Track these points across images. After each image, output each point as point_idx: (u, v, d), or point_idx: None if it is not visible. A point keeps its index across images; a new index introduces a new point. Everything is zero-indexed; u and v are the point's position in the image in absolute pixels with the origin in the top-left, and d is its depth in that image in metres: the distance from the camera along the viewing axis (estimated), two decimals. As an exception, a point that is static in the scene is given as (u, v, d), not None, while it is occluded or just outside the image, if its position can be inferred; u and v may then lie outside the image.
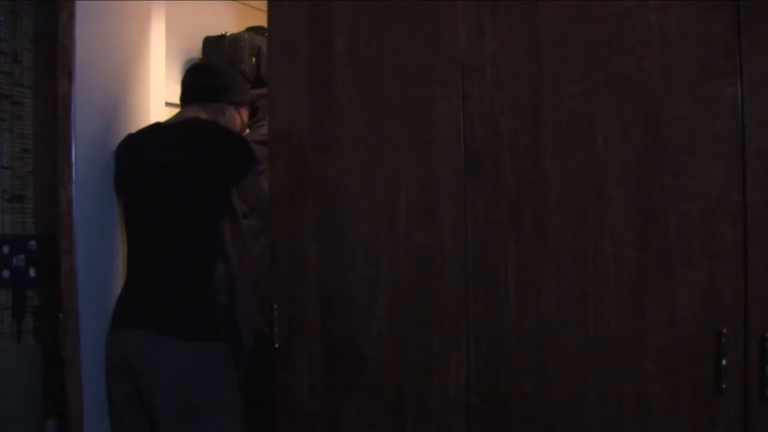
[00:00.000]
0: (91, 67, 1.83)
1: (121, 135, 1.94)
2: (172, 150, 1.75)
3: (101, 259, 1.87)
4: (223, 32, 2.31)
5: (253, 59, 2.26)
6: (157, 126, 1.88)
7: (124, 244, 1.94)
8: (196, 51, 2.38)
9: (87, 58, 1.81)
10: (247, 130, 2.11)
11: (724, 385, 1.15)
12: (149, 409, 1.65)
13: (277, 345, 1.67)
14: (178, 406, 1.62)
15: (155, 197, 1.75)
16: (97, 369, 1.81)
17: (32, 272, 2.12)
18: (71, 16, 1.76)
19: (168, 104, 2.22)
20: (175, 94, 2.28)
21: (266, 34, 1.86)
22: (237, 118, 1.95)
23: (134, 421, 1.70)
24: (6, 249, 2.08)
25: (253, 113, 2.35)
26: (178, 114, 1.92)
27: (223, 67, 2.03)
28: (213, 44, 2.31)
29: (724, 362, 1.15)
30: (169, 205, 1.74)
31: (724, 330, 1.15)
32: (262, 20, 2.00)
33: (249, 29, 2.34)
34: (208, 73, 1.94)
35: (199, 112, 1.86)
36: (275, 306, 1.67)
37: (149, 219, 1.77)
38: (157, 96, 2.13)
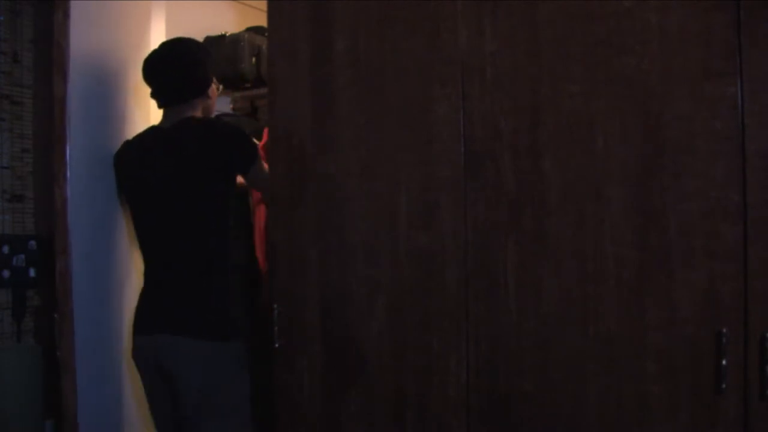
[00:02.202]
0: (87, 67, 1.83)
1: (119, 135, 1.94)
2: (176, 154, 1.76)
3: (97, 259, 1.87)
4: (223, 32, 2.31)
5: (253, 59, 2.26)
6: (155, 130, 1.86)
7: (121, 244, 1.94)
8: (196, 51, 2.38)
9: (83, 57, 1.81)
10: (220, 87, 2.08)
11: (724, 385, 1.15)
12: (180, 402, 1.72)
13: (277, 345, 1.67)
14: (200, 400, 1.69)
15: (164, 203, 1.77)
16: (93, 369, 1.81)
17: (32, 272, 2.12)
18: (66, 15, 1.76)
19: (168, 104, 2.22)
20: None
21: (266, 34, 1.86)
22: (213, 86, 1.95)
23: (171, 418, 1.77)
24: (6, 249, 2.08)
25: (253, 113, 2.36)
26: (168, 115, 1.85)
27: (189, 55, 1.86)
28: (213, 44, 2.31)
29: (724, 362, 1.15)
30: (179, 210, 1.76)
31: (724, 330, 1.15)
32: (262, 20, 2.00)
33: (249, 29, 2.34)
34: (181, 70, 1.83)
35: (190, 110, 1.84)
36: (275, 306, 1.67)
37: (160, 225, 1.78)
38: (157, 96, 2.13)
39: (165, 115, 1.87)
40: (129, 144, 1.89)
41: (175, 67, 1.83)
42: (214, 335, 1.70)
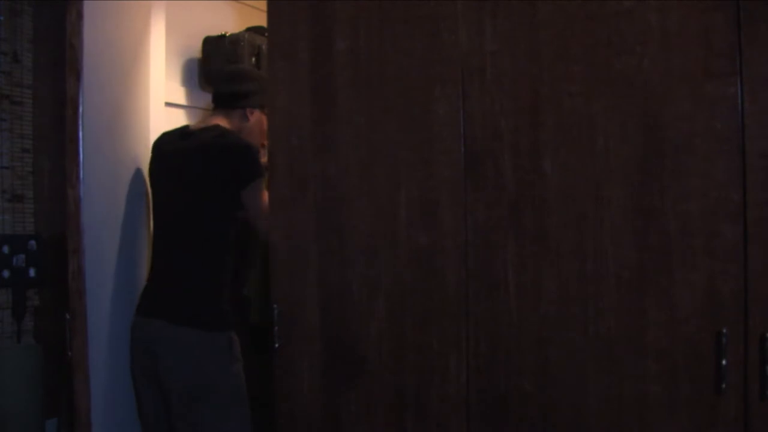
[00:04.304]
0: (96, 67, 1.83)
1: (125, 135, 1.96)
2: (188, 156, 1.86)
3: (107, 258, 1.88)
4: (223, 32, 2.31)
5: (253, 59, 2.26)
6: (183, 130, 1.97)
7: (127, 244, 1.95)
8: (196, 51, 2.38)
9: (92, 57, 1.81)
10: None
11: (724, 385, 1.15)
12: (164, 391, 1.79)
13: (277, 345, 1.67)
14: (186, 389, 1.75)
15: (173, 197, 1.88)
16: (103, 368, 1.82)
17: (32, 272, 2.12)
18: (80, 15, 1.75)
19: (168, 104, 2.22)
20: (174, 94, 2.29)
21: (266, 34, 1.86)
22: (262, 118, 2.02)
23: (153, 399, 1.84)
24: (6, 249, 2.08)
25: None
26: (205, 119, 2.02)
27: (251, 71, 2.09)
28: (213, 44, 2.31)
29: (724, 362, 1.15)
30: (184, 207, 1.85)
31: (724, 330, 1.15)
32: (262, 20, 2.00)
33: (249, 29, 2.33)
34: (236, 80, 2.00)
35: (222, 119, 1.96)
36: (275, 306, 1.67)
37: (167, 217, 1.90)
38: (157, 96, 2.13)
39: (201, 119, 2.05)
40: (163, 136, 1.99)
41: (225, 74, 2.05)
42: (204, 325, 1.78)
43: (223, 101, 1.98)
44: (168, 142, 1.94)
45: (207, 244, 1.84)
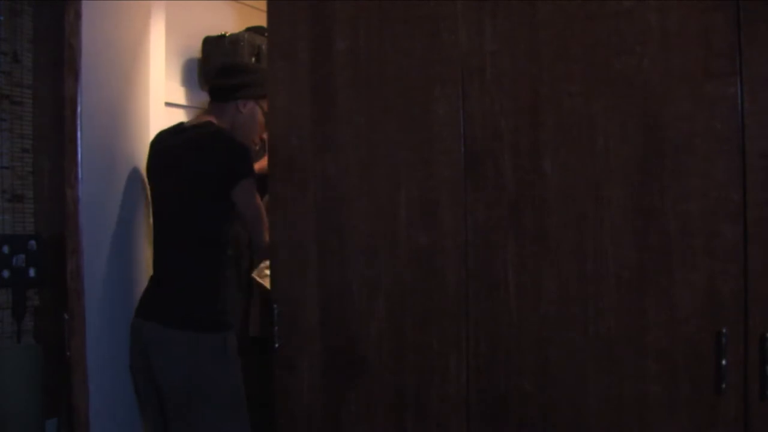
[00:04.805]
0: (95, 67, 1.83)
1: (124, 135, 1.96)
2: (181, 153, 1.84)
3: (106, 258, 1.88)
4: (223, 32, 2.31)
5: (253, 59, 2.26)
6: (177, 127, 1.94)
7: (127, 244, 1.95)
8: (196, 51, 2.38)
9: (91, 57, 1.81)
10: None
11: (724, 385, 1.15)
12: (161, 392, 1.79)
13: (277, 345, 1.67)
14: (178, 391, 1.75)
15: (167, 198, 1.87)
16: (102, 368, 1.82)
17: (32, 272, 2.12)
18: (78, 15, 1.75)
19: (168, 104, 2.22)
20: (174, 94, 2.29)
21: (266, 34, 1.86)
22: (257, 110, 1.96)
23: (153, 398, 1.83)
24: (6, 249, 2.08)
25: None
26: (199, 114, 2.00)
27: (243, 64, 2.07)
28: (213, 44, 2.31)
29: (724, 362, 1.15)
30: (177, 207, 1.84)
31: (724, 330, 1.15)
32: (262, 20, 2.00)
33: (249, 29, 2.33)
34: (228, 73, 1.95)
35: (216, 114, 1.92)
36: (275, 306, 1.67)
37: (163, 216, 1.89)
38: (157, 96, 2.13)
39: (196, 115, 2.01)
40: (159, 134, 1.97)
41: (218, 69, 2.00)
42: (198, 326, 1.76)
43: (216, 95, 1.94)
44: (163, 140, 1.92)
45: (202, 242, 1.82)
